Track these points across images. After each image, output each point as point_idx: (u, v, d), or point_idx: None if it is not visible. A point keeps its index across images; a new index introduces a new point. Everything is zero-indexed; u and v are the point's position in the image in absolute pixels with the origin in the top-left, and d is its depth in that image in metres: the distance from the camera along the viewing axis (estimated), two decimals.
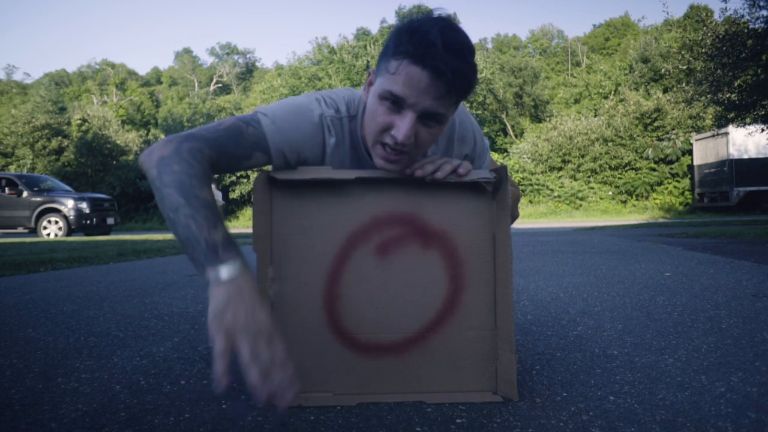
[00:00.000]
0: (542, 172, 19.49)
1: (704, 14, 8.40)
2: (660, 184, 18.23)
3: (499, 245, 0.98)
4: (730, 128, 13.50)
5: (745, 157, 14.30)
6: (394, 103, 0.87)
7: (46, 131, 21.71)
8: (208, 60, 55.88)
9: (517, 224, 12.86)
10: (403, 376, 0.99)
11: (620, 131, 18.71)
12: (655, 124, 18.63)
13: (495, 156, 20.75)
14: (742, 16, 7.58)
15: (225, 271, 0.74)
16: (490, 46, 42.04)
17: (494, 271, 1.00)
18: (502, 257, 0.98)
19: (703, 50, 8.10)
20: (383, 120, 0.89)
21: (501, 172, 0.96)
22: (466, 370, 1.00)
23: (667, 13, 10.28)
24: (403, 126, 0.86)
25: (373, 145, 0.93)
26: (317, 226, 0.98)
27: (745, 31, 7.49)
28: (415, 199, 0.99)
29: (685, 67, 9.11)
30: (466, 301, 0.99)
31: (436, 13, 0.89)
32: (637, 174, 18.34)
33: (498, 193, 0.98)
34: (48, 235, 10.06)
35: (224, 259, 0.75)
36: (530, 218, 16.64)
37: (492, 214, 1.00)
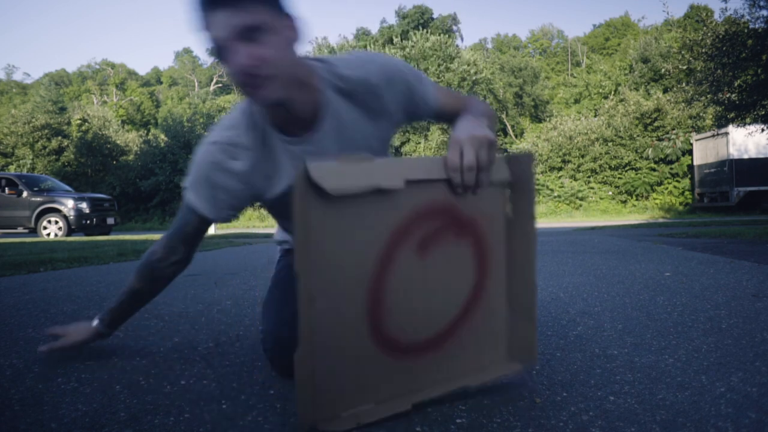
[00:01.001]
0: (542, 172, 19.48)
1: (704, 14, 8.39)
2: (660, 184, 18.23)
3: (519, 226, 1.03)
4: (730, 128, 13.49)
5: (745, 157, 14.29)
6: (222, 51, 0.94)
7: (46, 131, 21.69)
8: (208, 60, 55.80)
9: None
10: (441, 368, 0.99)
11: (620, 131, 18.69)
12: (655, 124, 18.62)
13: None
14: (742, 16, 7.58)
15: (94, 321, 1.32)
16: (490, 46, 42.04)
17: (513, 251, 1.04)
18: (521, 237, 1.02)
19: (703, 50, 8.10)
20: (231, 68, 0.95)
21: (517, 165, 1.00)
22: (492, 347, 1.04)
23: (667, 13, 10.29)
24: (235, 57, 0.93)
25: (247, 95, 0.99)
26: (359, 229, 0.87)
27: (745, 31, 7.48)
28: (447, 188, 0.95)
29: (685, 67, 9.10)
30: (490, 285, 1.02)
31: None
32: (637, 174, 18.33)
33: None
34: (48, 235, 10.06)
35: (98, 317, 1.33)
36: None
37: (507, 198, 1.03)
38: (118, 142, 22.41)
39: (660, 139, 18.23)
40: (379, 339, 0.91)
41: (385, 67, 1.09)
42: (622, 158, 18.48)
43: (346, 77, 1.07)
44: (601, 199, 18.33)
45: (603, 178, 18.72)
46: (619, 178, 18.55)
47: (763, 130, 8.56)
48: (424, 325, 0.96)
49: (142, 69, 67.86)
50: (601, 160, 18.67)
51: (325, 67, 1.08)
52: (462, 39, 35.90)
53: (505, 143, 24.48)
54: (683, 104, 10.27)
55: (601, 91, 25.90)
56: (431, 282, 0.96)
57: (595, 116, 21.40)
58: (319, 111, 1.06)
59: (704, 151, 15.67)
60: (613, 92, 23.60)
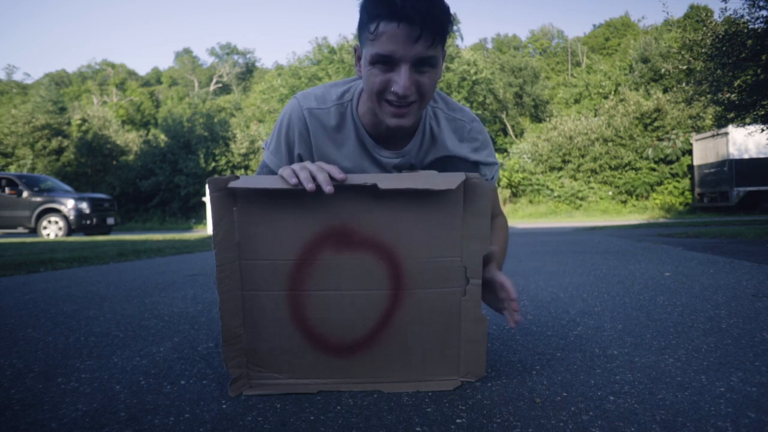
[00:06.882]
0: (542, 172, 19.49)
1: (704, 14, 8.37)
2: (660, 184, 18.23)
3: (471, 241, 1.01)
4: (730, 128, 13.50)
5: (745, 157, 14.30)
6: (386, 63, 0.95)
7: (46, 131, 21.69)
8: (208, 60, 55.78)
9: (518, 224, 12.86)
10: (363, 371, 1.04)
11: (620, 131, 18.70)
12: (655, 124, 18.63)
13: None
14: (742, 16, 7.56)
15: None
16: (490, 46, 42.04)
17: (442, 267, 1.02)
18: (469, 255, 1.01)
19: (703, 50, 8.09)
20: (380, 80, 0.97)
21: (473, 190, 1.00)
22: (420, 359, 1.05)
23: (667, 13, 10.26)
24: (401, 80, 0.95)
25: (380, 105, 1.01)
26: (280, 229, 0.98)
27: (745, 31, 7.47)
28: (359, 208, 0.98)
29: (685, 67, 9.09)
30: (408, 297, 1.02)
31: None
32: (637, 174, 18.34)
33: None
34: (48, 235, 10.06)
35: None
36: (530, 218, 16.64)
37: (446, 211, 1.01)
38: (118, 142, 22.43)
39: (660, 139, 18.23)
40: (305, 334, 1.02)
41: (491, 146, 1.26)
42: (622, 158, 18.49)
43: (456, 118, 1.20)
44: (601, 199, 18.34)
45: (603, 178, 18.72)
46: (619, 178, 18.55)
47: (763, 130, 8.54)
48: (342, 329, 1.03)
49: (142, 69, 67.90)
50: (601, 160, 18.67)
51: (440, 106, 1.19)
52: (462, 39, 35.94)
53: (506, 143, 24.48)
54: (683, 104, 10.25)
55: (601, 91, 25.88)
56: (346, 287, 1.01)
57: (595, 116, 21.40)
58: (412, 137, 1.16)
59: (704, 151, 15.67)
60: (613, 92, 23.60)
